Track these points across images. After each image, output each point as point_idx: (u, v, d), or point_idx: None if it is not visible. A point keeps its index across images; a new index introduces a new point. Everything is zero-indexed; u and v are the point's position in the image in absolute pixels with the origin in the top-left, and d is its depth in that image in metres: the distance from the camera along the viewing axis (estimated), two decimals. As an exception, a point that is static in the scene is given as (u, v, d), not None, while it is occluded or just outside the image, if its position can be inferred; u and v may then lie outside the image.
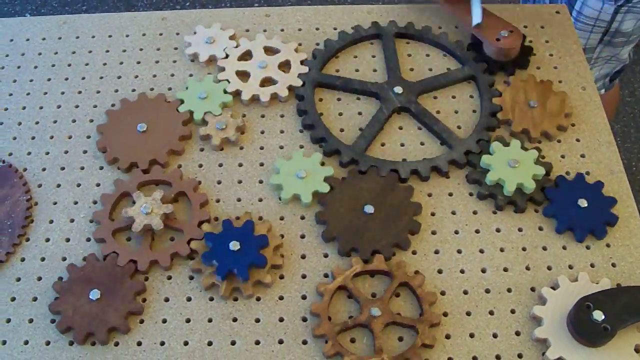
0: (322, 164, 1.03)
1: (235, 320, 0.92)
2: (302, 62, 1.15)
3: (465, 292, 0.94)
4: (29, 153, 1.07)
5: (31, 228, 1.00)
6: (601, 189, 1.01)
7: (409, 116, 1.11)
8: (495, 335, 0.91)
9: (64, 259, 0.97)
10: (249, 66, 1.14)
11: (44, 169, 1.05)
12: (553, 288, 0.93)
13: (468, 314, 0.93)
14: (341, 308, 0.93)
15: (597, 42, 1.36)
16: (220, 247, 0.94)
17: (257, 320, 0.92)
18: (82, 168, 1.05)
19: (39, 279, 0.95)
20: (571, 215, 0.99)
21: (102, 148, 1.05)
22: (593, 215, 0.99)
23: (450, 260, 0.97)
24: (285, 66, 1.15)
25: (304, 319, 0.92)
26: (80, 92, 1.13)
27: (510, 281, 0.95)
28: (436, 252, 0.98)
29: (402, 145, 1.08)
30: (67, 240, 0.98)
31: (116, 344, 0.90)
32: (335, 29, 1.21)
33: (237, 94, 1.12)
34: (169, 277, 0.95)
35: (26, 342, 0.90)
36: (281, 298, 0.94)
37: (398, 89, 1.11)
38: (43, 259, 0.97)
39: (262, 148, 1.07)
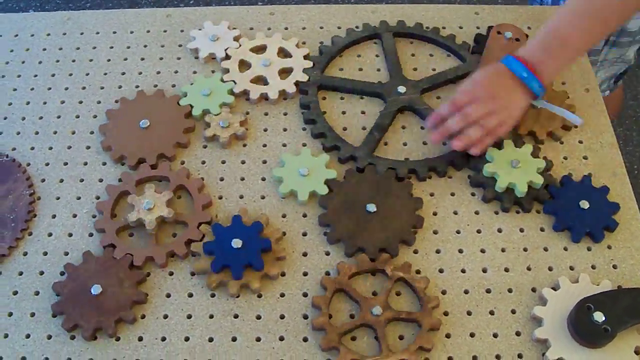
0: (327, 165, 1.04)
1: (236, 316, 0.92)
2: (305, 58, 1.15)
3: (466, 292, 0.94)
4: (33, 148, 1.07)
5: (34, 222, 1.00)
6: (606, 195, 1.01)
7: (411, 115, 1.11)
8: (495, 335, 0.91)
9: (66, 253, 0.97)
10: (253, 61, 1.14)
11: (47, 164, 1.05)
12: (554, 289, 0.93)
13: (469, 313, 0.93)
14: (341, 307, 0.93)
15: (603, 44, 1.35)
16: (223, 241, 0.94)
17: (258, 317, 0.92)
18: (85, 163, 1.05)
19: (41, 273, 0.95)
20: (571, 215, 0.99)
21: (107, 147, 1.06)
22: (593, 218, 0.99)
23: (451, 260, 0.97)
24: (287, 68, 1.15)
25: (305, 316, 0.92)
26: (84, 88, 1.14)
27: (511, 281, 0.95)
28: (437, 251, 0.98)
29: (405, 144, 1.08)
30: (70, 235, 0.99)
31: (117, 339, 0.90)
32: (339, 27, 1.21)
33: (243, 93, 1.12)
34: (171, 273, 0.95)
35: (28, 336, 0.91)
36: (282, 295, 0.94)
37: (401, 89, 1.11)
38: (45, 254, 0.97)
39: (265, 145, 1.07)
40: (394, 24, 1.20)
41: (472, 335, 0.91)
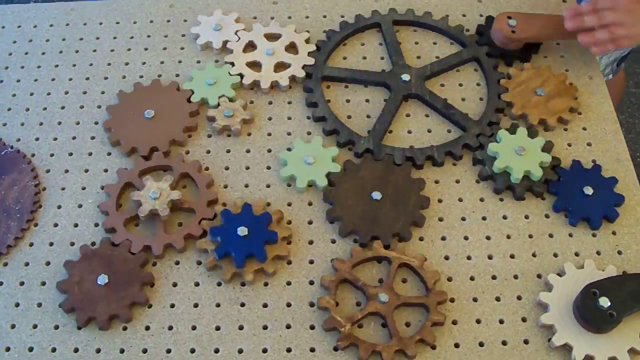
0: (334, 159, 1.04)
1: (243, 305, 0.93)
2: (309, 54, 1.15)
3: (472, 279, 0.95)
4: (37, 139, 1.07)
5: (39, 213, 1.00)
6: (614, 185, 1.01)
7: (416, 103, 1.11)
8: (501, 321, 0.91)
9: (72, 244, 0.97)
10: (257, 56, 1.14)
11: (52, 155, 1.05)
12: (559, 275, 0.94)
13: (475, 300, 0.93)
14: (347, 295, 0.93)
15: None
16: (229, 228, 0.94)
17: (265, 306, 0.93)
18: (90, 154, 1.06)
19: (48, 263, 0.96)
20: (572, 198, 0.99)
21: (115, 142, 1.06)
22: (594, 205, 0.99)
23: (457, 247, 0.97)
24: (292, 49, 1.16)
25: (312, 304, 0.92)
26: (88, 79, 1.14)
27: (516, 268, 0.95)
28: (443, 238, 0.98)
29: (410, 132, 1.08)
30: (76, 225, 0.99)
31: (124, 329, 0.91)
32: (342, 16, 1.21)
33: (249, 82, 1.12)
34: (177, 262, 0.96)
35: (35, 326, 0.91)
36: (289, 283, 0.94)
37: (406, 77, 1.11)
38: (51, 244, 0.97)
39: (269, 134, 1.07)
40: (396, 12, 1.20)
41: (478, 321, 0.92)
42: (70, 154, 1.06)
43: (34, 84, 1.13)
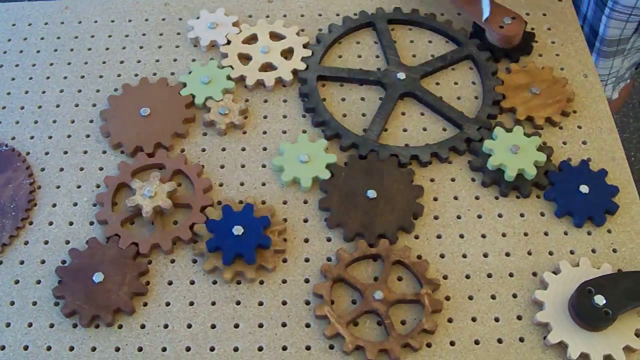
0: (327, 150, 1.04)
1: (238, 303, 0.92)
2: (304, 47, 1.15)
3: (468, 277, 0.95)
4: (32, 137, 1.07)
5: (34, 212, 1.00)
6: (604, 177, 1.01)
7: (411, 101, 1.11)
8: (497, 319, 0.92)
9: (67, 242, 0.97)
10: (251, 50, 1.14)
11: (46, 153, 1.05)
12: (555, 273, 0.94)
13: (470, 298, 0.93)
14: (343, 292, 0.93)
15: (632, 32, 1.34)
16: (226, 224, 0.94)
17: (260, 304, 0.93)
18: (85, 152, 1.05)
19: (43, 262, 0.96)
20: (571, 200, 0.99)
21: (107, 133, 1.05)
22: (594, 201, 0.99)
23: (452, 245, 0.97)
24: (288, 53, 1.15)
25: (307, 302, 0.92)
26: (82, 77, 1.13)
27: (512, 266, 0.96)
28: (438, 236, 0.98)
29: (405, 130, 1.08)
30: (71, 223, 0.99)
31: (120, 327, 0.90)
32: (337, 14, 1.21)
33: (241, 79, 1.12)
34: (172, 261, 0.96)
35: (30, 325, 0.91)
36: (284, 281, 0.94)
37: (401, 75, 1.11)
38: (46, 242, 0.97)
39: (265, 133, 1.07)
40: (391, 11, 1.20)
41: (473, 319, 0.92)
42: (65, 152, 1.05)
43: (28, 82, 1.13)
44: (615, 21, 1.31)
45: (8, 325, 0.91)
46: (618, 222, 0.99)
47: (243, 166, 1.04)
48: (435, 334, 0.90)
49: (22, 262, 0.96)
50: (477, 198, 1.01)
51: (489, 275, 0.95)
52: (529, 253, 0.97)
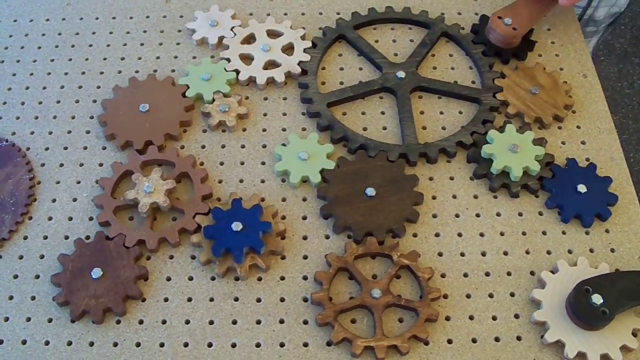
0: (319, 142, 1.05)
1: (236, 299, 0.93)
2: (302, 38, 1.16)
3: (465, 275, 0.95)
4: (32, 132, 1.07)
5: (34, 207, 1.00)
6: (608, 185, 1.01)
7: (415, 98, 1.11)
8: (494, 318, 0.92)
9: (67, 237, 0.97)
10: (252, 50, 1.14)
11: (47, 149, 1.05)
12: (552, 272, 0.94)
13: (468, 296, 0.93)
14: (342, 289, 0.93)
15: None
16: (222, 226, 0.94)
17: (259, 300, 0.93)
18: (85, 148, 1.06)
19: (42, 257, 0.96)
20: (565, 195, 1.00)
21: (109, 136, 1.06)
22: (587, 203, 0.99)
23: (450, 244, 0.97)
24: (288, 48, 1.15)
25: (305, 299, 0.93)
26: (83, 73, 1.14)
27: (510, 265, 0.96)
28: (437, 235, 0.98)
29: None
30: (70, 219, 0.99)
31: (118, 322, 0.91)
32: (338, 13, 1.21)
33: (250, 80, 1.12)
34: (171, 257, 0.96)
35: (28, 319, 0.91)
36: (282, 278, 0.94)
37: (400, 74, 1.11)
38: (46, 237, 0.97)
39: (264, 130, 1.08)
40: (357, 15, 1.19)
41: (471, 317, 0.92)
42: (66, 148, 1.06)
43: (29, 78, 1.13)
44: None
45: (6, 319, 0.91)
46: (616, 222, 0.99)
47: (242, 163, 1.04)
48: (433, 332, 0.90)
49: (21, 257, 0.96)
50: (475, 197, 1.02)
51: (487, 274, 0.95)
52: (527, 252, 0.97)
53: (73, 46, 1.17)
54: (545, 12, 1.16)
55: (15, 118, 1.09)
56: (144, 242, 0.96)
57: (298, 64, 1.12)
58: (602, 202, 1.00)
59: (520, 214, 1.00)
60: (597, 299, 0.88)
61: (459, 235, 0.98)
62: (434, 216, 1.00)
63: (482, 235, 0.98)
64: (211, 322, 0.91)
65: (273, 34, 1.17)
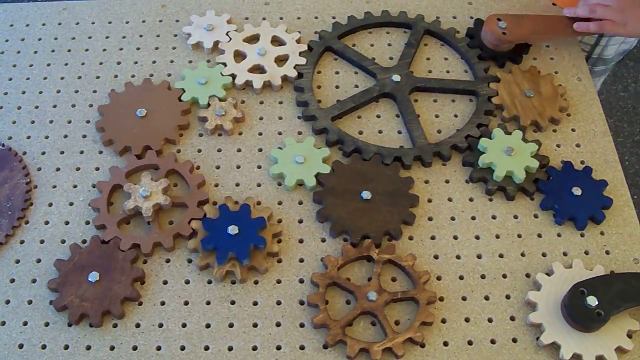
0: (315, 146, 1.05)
1: (233, 303, 0.93)
2: (297, 41, 1.16)
3: (461, 278, 0.95)
4: (29, 137, 1.07)
5: (31, 211, 1.00)
6: (603, 188, 1.02)
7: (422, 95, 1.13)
8: (490, 320, 0.92)
9: (63, 241, 0.97)
10: (248, 49, 1.15)
11: (43, 153, 1.06)
12: (548, 274, 0.94)
13: (464, 299, 0.94)
14: (338, 300, 0.94)
15: None
16: (222, 224, 0.95)
17: (255, 303, 0.93)
18: (82, 152, 1.06)
19: (38, 261, 0.96)
20: (559, 197, 1.00)
21: (107, 141, 1.06)
22: (581, 205, 1.00)
23: (446, 246, 0.98)
24: (282, 59, 1.16)
25: (301, 302, 0.93)
26: (79, 77, 1.14)
27: (505, 267, 0.96)
28: (432, 238, 0.99)
29: (400, 132, 1.09)
30: (67, 223, 0.99)
31: (115, 326, 0.91)
32: (333, 17, 1.21)
33: (235, 80, 1.13)
34: (168, 260, 0.96)
35: (25, 323, 0.91)
36: (279, 282, 0.95)
37: (395, 77, 1.11)
38: (42, 242, 0.98)
39: (260, 134, 1.08)
40: (331, 30, 1.19)
41: (467, 320, 0.92)
42: (62, 152, 1.06)
43: (25, 83, 1.13)
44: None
45: (3, 323, 0.91)
46: (611, 224, 1.00)
47: (238, 167, 1.05)
48: (429, 334, 0.90)
49: (17, 261, 0.96)
50: (471, 200, 1.02)
51: (483, 277, 0.95)
52: (523, 254, 0.97)
53: (69, 51, 1.17)
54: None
55: (12, 122, 1.09)
56: (160, 245, 0.96)
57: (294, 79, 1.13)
58: (597, 205, 1.00)
59: (515, 217, 1.00)
60: (592, 300, 0.88)
61: (455, 238, 0.99)
62: (430, 219, 1.00)
63: (477, 238, 0.99)
64: (208, 326, 0.91)
65: (276, 41, 1.17)
